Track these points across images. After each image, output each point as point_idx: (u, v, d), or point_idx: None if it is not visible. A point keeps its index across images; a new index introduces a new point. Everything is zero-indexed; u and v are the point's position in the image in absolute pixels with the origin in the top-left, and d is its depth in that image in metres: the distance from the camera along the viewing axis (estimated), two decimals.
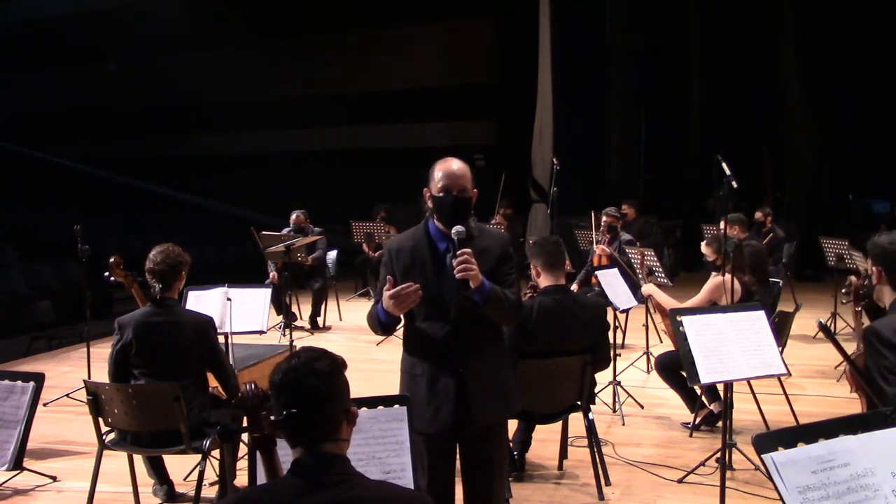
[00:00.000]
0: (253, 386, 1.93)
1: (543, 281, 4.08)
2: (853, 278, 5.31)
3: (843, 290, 5.30)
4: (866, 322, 5.93)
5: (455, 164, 2.83)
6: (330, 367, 1.88)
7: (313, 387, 1.84)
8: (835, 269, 8.07)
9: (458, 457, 2.93)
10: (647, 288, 5.68)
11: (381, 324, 2.81)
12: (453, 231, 2.71)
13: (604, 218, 7.90)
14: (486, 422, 2.84)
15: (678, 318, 3.81)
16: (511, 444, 4.43)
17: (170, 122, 17.33)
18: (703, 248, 5.63)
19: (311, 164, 16.82)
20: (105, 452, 3.86)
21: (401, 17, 15.47)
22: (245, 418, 1.93)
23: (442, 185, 2.79)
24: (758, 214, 9.21)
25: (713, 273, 5.37)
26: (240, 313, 5.03)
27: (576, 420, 4.36)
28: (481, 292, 2.69)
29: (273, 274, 8.34)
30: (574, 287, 7.33)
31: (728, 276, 4.83)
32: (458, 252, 2.66)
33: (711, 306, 4.95)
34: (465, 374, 2.78)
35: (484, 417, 2.82)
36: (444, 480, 2.87)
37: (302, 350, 1.93)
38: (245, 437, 2.10)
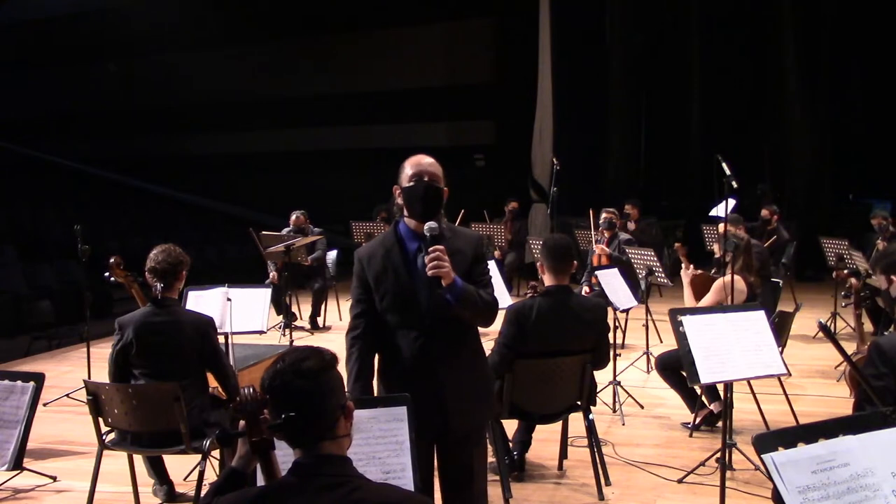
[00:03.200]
0: (251, 390, 1.92)
1: (547, 280, 4.07)
2: (853, 280, 5.28)
3: (843, 294, 5.28)
4: (867, 324, 5.95)
5: (426, 158, 2.78)
6: (318, 365, 1.87)
7: (301, 387, 1.83)
8: (835, 269, 8.05)
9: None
10: (686, 274, 5.65)
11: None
12: (426, 227, 2.64)
13: (602, 214, 7.88)
14: (465, 429, 2.79)
15: (678, 318, 3.81)
16: (511, 444, 4.43)
17: (170, 122, 17.32)
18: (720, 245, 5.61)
19: (311, 164, 16.80)
20: (105, 452, 3.86)
21: (401, 17, 15.46)
22: (244, 422, 1.93)
23: (413, 173, 2.73)
24: (764, 212, 9.18)
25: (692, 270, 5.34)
26: (240, 313, 5.03)
27: (576, 420, 4.36)
28: (453, 290, 2.61)
29: (273, 274, 8.33)
30: (585, 291, 7.31)
31: (730, 277, 4.83)
32: (430, 249, 2.59)
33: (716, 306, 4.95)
34: (443, 381, 2.72)
35: (462, 425, 2.77)
36: (423, 489, 2.81)
37: (289, 351, 1.93)
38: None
